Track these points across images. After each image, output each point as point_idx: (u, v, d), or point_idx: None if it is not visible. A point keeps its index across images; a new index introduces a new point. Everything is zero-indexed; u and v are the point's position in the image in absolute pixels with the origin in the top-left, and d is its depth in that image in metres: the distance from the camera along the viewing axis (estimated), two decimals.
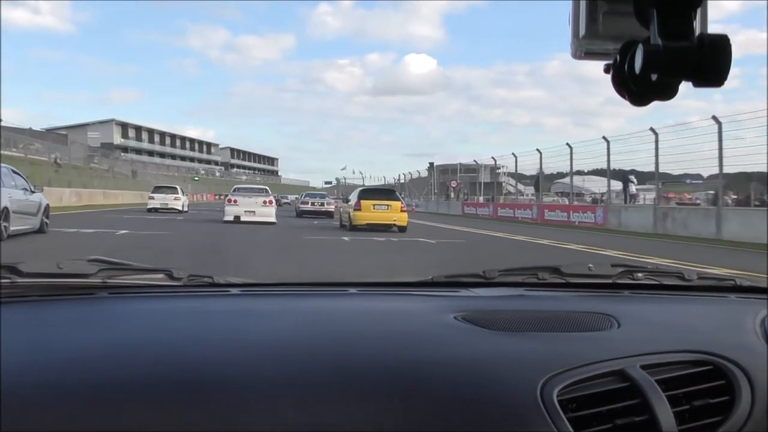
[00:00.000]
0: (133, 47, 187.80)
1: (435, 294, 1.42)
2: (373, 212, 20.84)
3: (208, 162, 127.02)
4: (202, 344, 0.97)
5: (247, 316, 1.17)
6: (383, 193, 22.65)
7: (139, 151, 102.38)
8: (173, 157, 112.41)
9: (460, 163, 53.75)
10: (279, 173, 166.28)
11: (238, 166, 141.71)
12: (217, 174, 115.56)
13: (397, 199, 21.96)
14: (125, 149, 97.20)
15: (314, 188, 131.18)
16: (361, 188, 24.20)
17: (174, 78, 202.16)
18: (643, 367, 1.00)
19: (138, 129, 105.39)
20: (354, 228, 20.36)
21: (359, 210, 20.83)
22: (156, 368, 0.88)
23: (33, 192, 14.19)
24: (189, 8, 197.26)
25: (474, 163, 47.97)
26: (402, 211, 21.07)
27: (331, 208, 32.08)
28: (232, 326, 1.09)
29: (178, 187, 34.48)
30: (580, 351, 1.03)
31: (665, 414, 0.94)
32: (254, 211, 22.65)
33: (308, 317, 1.19)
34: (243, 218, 22.10)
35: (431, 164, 67.87)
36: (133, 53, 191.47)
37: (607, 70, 0.72)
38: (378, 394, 0.88)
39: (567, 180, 35.69)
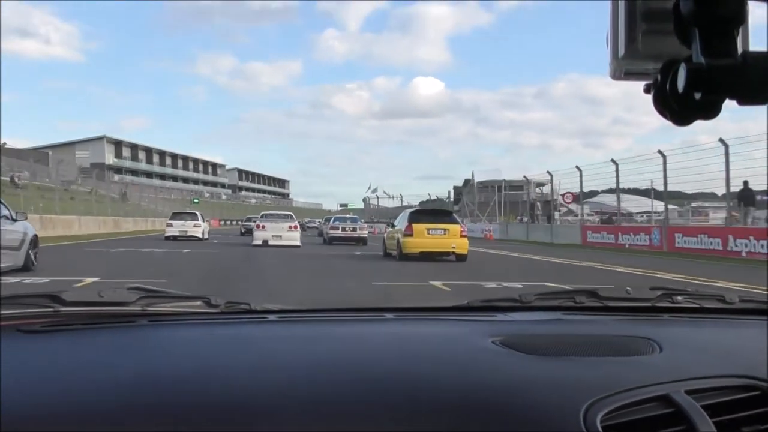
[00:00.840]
0: (142, 76, 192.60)
1: (471, 318, 1.46)
2: (428, 238, 18.38)
3: (214, 184, 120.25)
4: (240, 371, 1.01)
5: (285, 342, 1.21)
6: (439, 215, 20.16)
7: (135, 172, 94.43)
8: (174, 178, 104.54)
9: (504, 180, 48.40)
10: (290, 196, 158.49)
11: (247, 189, 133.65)
12: (224, 197, 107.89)
13: (456, 222, 19.53)
14: (119, 170, 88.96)
15: (328, 211, 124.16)
16: (411, 209, 21.39)
17: (183, 105, 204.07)
18: (688, 392, 0.99)
19: (134, 147, 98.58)
20: (405, 257, 18.00)
21: (411, 236, 18.33)
22: (196, 395, 0.91)
23: (14, 220, 12.33)
24: (197, 34, 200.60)
25: (523, 179, 43.14)
26: (462, 236, 18.61)
27: (365, 233, 30.10)
28: (270, 352, 1.13)
29: (198, 212, 33.75)
30: (623, 376, 1.03)
31: None
32: (281, 236, 25.26)
33: (346, 343, 1.23)
34: (270, 242, 24.78)
35: (467, 181, 58.82)
36: (143, 81, 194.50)
37: (647, 90, 0.72)
38: (418, 420, 0.89)
39: (598, 199, 36.18)
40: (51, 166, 49.10)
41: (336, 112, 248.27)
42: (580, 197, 33.39)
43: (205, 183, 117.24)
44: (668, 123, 0.66)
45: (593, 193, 37.32)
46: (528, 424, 0.88)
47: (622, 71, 0.74)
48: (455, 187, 75.09)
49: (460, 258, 17.99)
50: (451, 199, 69.74)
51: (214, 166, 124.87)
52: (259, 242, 25.14)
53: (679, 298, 1.56)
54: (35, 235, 13.01)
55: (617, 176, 29.38)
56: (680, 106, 0.67)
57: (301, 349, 1.16)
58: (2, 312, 1.20)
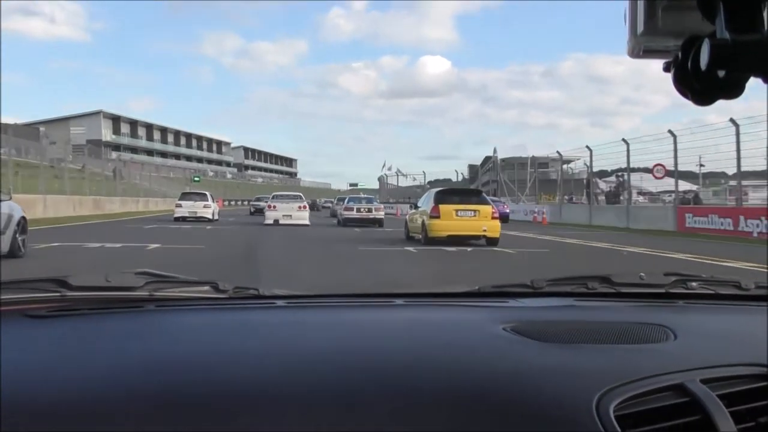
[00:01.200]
0: (148, 56, 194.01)
1: (482, 304, 1.46)
2: (456, 220, 16.90)
3: (219, 163, 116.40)
4: (247, 357, 1.02)
5: (293, 328, 1.22)
6: (467, 195, 18.70)
7: (134, 150, 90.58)
8: (177, 157, 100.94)
9: (532, 156, 45.09)
10: (298, 175, 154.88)
11: (253, 168, 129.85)
12: (229, 176, 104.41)
13: (486, 203, 17.89)
14: (117, 147, 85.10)
15: (338, 191, 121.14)
16: (437, 189, 19.39)
17: (189, 85, 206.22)
18: (704, 381, 0.98)
19: (133, 124, 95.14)
20: (431, 242, 16.55)
21: (437, 218, 16.82)
22: (203, 381, 0.92)
23: None
24: (203, 14, 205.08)
25: (555, 155, 39.70)
26: (493, 218, 17.12)
27: (381, 214, 28.61)
28: (278, 339, 1.14)
29: (207, 193, 32.96)
30: (636, 364, 1.04)
31: (728, 431, 0.92)
32: (291, 215, 27.56)
33: (355, 329, 1.23)
34: (281, 221, 27.02)
35: (487, 158, 54.61)
36: (149, 62, 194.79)
37: (667, 68, 0.70)
38: (427, 406, 0.90)
39: (613, 178, 35.02)
40: (43, 143, 45.20)
41: (342, 91, 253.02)
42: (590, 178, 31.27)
43: (210, 161, 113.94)
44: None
45: (603, 173, 36.86)
46: (540, 413, 0.89)
47: (641, 48, 0.72)
48: (471, 166, 71.10)
49: (491, 242, 16.70)
50: (467, 178, 65.56)
51: (219, 144, 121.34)
52: (271, 221, 27.33)
53: (694, 284, 1.57)
54: (23, 218, 11.57)
55: (628, 156, 29.46)
56: (702, 84, 0.65)
57: (309, 335, 1.17)
58: (8, 297, 1.20)
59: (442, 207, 16.83)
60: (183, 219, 29.81)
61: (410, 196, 53.70)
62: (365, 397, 0.90)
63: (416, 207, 19.04)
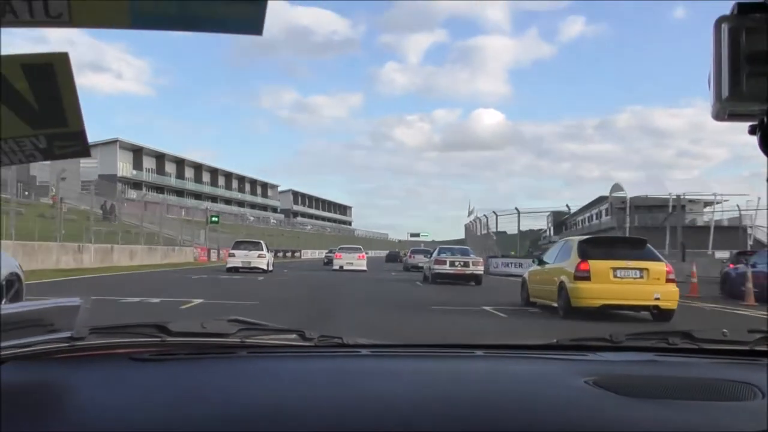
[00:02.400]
0: (207, 109, 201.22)
1: (562, 357, 1.52)
2: (615, 283, 12.12)
3: (264, 207, 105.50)
4: (335, 403, 1.10)
5: (378, 376, 1.30)
6: (627, 245, 13.56)
7: (161, 189, 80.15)
8: (213, 199, 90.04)
9: (674, 195, 35.74)
10: (352, 224, 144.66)
11: (303, 214, 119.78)
12: (272, 221, 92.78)
13: (657, 258, 12.90)
14: (137, 184, 74.61)
15: (398, 242, 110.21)
16: (582, 238, 14.00)
17: (245, 137, 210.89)
18: None
19: (160, 158, 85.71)
20: (573, 313, 12.07)
21: (586, 279, 12.07)
22: (296, 426, 0.99)
23: None
24: (261, 69, 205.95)
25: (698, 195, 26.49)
26: (669, 280, 12.25)
27: (480, 270, 24.77)
28: (364, 386, 1.22)
29: (262, 242, 32.97)
30: (723, 421, 1.06)
31: None
32: (352, 263, 35.32)
33: (436, 378, 1.31)
34: (345, 267, 34.99)
35: (601, 198, 43.36)
36: (207, 115, 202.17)
37: (752, 131, 0.75)
38: None
39: None
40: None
41: (396, 143, 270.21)
42: None
43: (254, 206, 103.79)
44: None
45: None
46: None
47: (726, 112, 0.76)
48: (554, 213, 61.05)
49: (664, 316, 11.97)
50: (548, 231, 54.01)
51: (264, 186, 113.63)
52: (337, 267, 35.38)
53: None
54: (14, 274, 7.94)
55: None
56: None
57: (394, 383, 1.24)
58: (115, 341, 1.35)
59: (594, 264, 12.10)
60: (236, 270, 30.00)
61: (508, 246, 48.08)
62: None
63: (541, 262, 14.66)
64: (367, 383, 1.23)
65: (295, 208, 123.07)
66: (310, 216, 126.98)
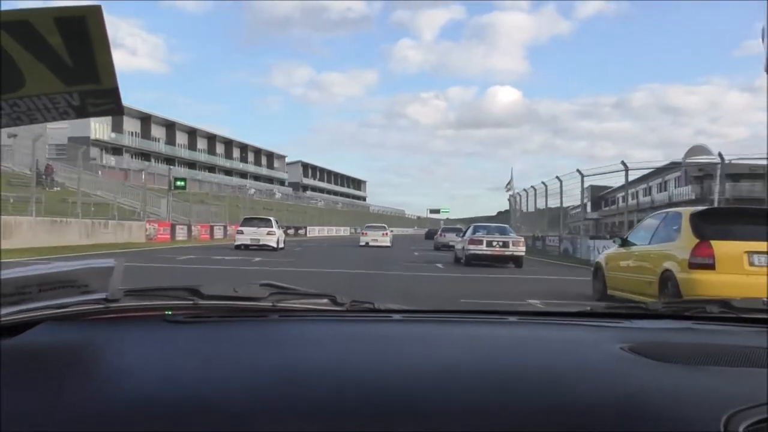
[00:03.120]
0: (221, 86, 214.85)
1: (596, 324, 1.53)
2: (752, 273, 8.71)
3: (270, 180, 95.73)
4: (367, 367, 1.11)
5: (410, 341, 1.32)
6: (758, 220, 9.61)
7: (146, 155, 70.33)
8: (211, 168, 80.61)
9: None
10: (366, 199, 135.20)
11: (314, 188, 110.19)
12: (278, 195, 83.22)
13: None
14: (118, 149, 64.76)
15: (417, 218, 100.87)
16: (695, 210, 10.26)
17: (258, 115, 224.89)
18: None
19: (145, 120, 75.59)
20: None
21: (709, 268, 8.84)
22: (326, 388, 1.00)
23: None
24: (274, 44, 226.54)
25: None
26: None
27: (521, 250, 22.52)
28: (396, 350, 1.23)
29: (272, 218, 32.72)
30: (761, 388, 1.03)
31: None
32: (377, 239, 40.82)
33: (469, 343, 1.32)
34: (370, 243, 40.42)
35: (673, 165, 35.49)
36: (221, 92, 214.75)
37: None
38: (545, 424, 0.92)
39: None
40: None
41: (411, 121, 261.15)
42: None
43: (257, 177, 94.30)
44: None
45: None
46: None
47: None
48: (595, 187, 52.19)
49: None
50: (582, 207, 44.66)
51: (270, 156, 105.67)
52: (363, 243, 40.60)
53: None
54: None
55: None
56: None
57: (425, 348, 1.25)
58: (151, 303, 1.38)
59: (720, 247, 8.83)
60: (245, 247, 29.99)
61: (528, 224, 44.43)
62: (483, 411, 0.93)
63: (625, 242, 11.39)
64: (399, 348, 1.25)
65: (305, 181, 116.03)
66: (321, 190, 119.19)
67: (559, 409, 0.94)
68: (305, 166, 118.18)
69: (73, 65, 0.91)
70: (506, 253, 22.24)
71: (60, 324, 1.22)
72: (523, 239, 23.99)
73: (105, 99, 0.98)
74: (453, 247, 30.32)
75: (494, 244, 22.27)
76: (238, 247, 29.90)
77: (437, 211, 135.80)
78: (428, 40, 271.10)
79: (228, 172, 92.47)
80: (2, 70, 0.89)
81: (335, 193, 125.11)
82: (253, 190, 79.14)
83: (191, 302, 1.39)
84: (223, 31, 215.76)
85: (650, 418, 0.92)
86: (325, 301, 1.55)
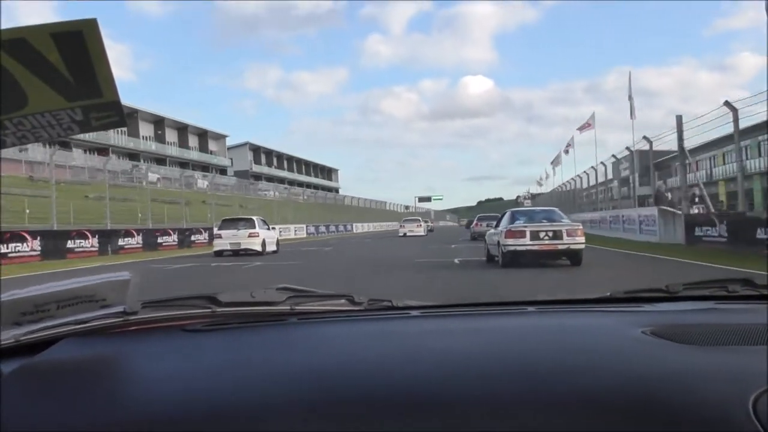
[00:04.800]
0: (191, 92, 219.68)
1: (616, 310, 1.55)
2: None
3: (206, 167, 70.31)
4: (389, 364, 1.12)
5: (430, 336, 1.33)
6: None
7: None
8: (132, 156, 54.69)
9: None
10: (340, 190, 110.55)
11: (269, 178, 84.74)
12: (202, 186, 57.32)
13: None
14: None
15: (393, 211, 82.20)
16: None
17: (233, 120, 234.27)
18: None
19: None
20: None
21: None
22: (349, 387, 1.01)
23: None
24: (243, 47, 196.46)
25: None
26: None
27: (579, 242, 16.07)
28: (416, 346, 1.24)
29: (255, 218, 28.37)
30: None
31: None
32: (413, 230, 48.87)
33: (488, 335, 1.33)
34: (408, 234, 47.87)
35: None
36: (192, 98, 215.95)
37: None
38: (571, 412, 0.92)
39: None
40: None
41: (385, 116, 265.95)
42: None
43: (184, 164, 69.72)
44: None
45: None
46: (692, 415, 0.90)
47: None
48: (617, 159, 40.68)
49: None
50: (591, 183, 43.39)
51: (204, 135, 76.83)
52: (402, 234, 48.26)
53: None
54: None
55: None
56: None
57: (445, 342, 1.26)
58: (167, 313, 1.39)
59: None
60: (222, 253, 26.88)
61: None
62: (507, 401, 0.95)
63: None
64: (419, 343, 1.25)
65: (257, 169, 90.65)
66: (282, 180, 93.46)
67: (583, 395, 0.94)
68: (255, 150, 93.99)
69: (73, 80, 0.92)
70: (559, 247, 15.74)
71: (81, 339, 1.22)
72: (581, 226, 16.62)
73: (107, 112, 0.98)
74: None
75: (542, 235, 15.78)
76: (218, 253, 26.74)
77: (427, 199, 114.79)
78: (397, 33, 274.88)
79: (133, 155, 68.69)
80: (4, 90, 0.90)
81: (301, 184, 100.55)
82: (155, 177, 55.13)
83: (209, 310, 1.40)
84: (190, 36, 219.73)
85: (677, 401, 0.92)
86: (342, 301, 1.57)
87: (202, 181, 62.37)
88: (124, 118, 1.00)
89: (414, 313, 1.52)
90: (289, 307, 1.47)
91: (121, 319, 1.28)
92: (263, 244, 27.15)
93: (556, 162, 62.14)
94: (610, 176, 40.70)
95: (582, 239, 16.03)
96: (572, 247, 15.83)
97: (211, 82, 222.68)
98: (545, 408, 0.92)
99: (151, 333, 1.32)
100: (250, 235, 26.71)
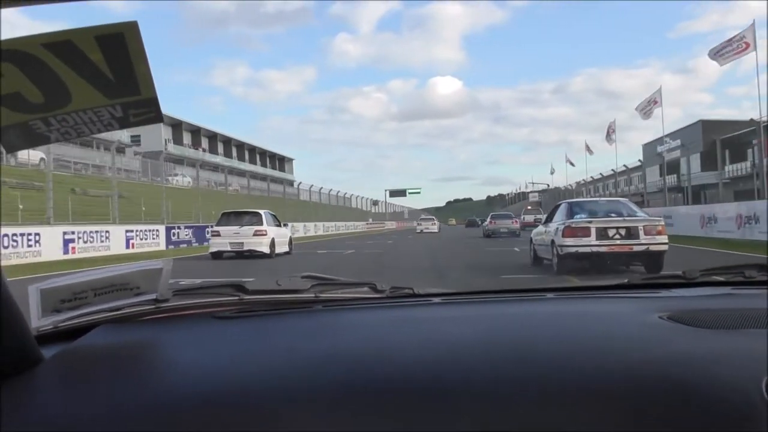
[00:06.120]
0: (160, 89, 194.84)
1: (633, 296, 1.56)
2: None
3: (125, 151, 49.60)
4: (411, 350, 1.15)
5: (451, 322, 1.35)
6: None
7: None
8: None
9: None
10: (295, 184, 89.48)
11: (193, 164, 63.48)
12: (76, 166, 36.24)
13: None
14: None
15: (359, 209, 71.32)
16: None
17: (200, 118, 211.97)
18: None
19: None
20: None
21: None
22: (374, 372, 1.05)
23: None
24: (211, 43, 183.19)
25: None
26: None
27: (662, 242, 13.13)
28: (438, 332, 1.27)
29: (262, 212, 23.37)
30: None
31: None
32: (429, 227, 56.24)
33: (508, 322, 1.36)
34: (424, 231, 54.73)
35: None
36: (160, 95, 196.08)
37: None
38: (590, 397, 0.95)
39: None
40: None
41: (354, 116, 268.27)
42: None
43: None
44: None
45: None
46: (707, 396, 0.93)
47: None
48: (648, 145, 51.10)
49: None
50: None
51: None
52: (419, 231, 54.79)
53: None
54: None
55: None
56: None
57: (467, 328, 1.28)
58: (197, 301, 1.46)
59: None
60: (220, 255, 22.34)
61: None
62: (526, 387, 0.97)
63: None
64: (441, 329, 1.27)
65: (178, 150, 69.75)
66: (215, 167, 72.96)
67: (601, 379, 0.97)
68: (175, 127, 73.78)
69: (114, 79, 0.98)
70: (635, 248, 12.61)
71: (115, 326, 1.31)
72: (662, 221, 13.52)
73: (146, 108, 1.03)
74: (503, 232, 34.22)
75: (612, 233, 12.72)
76: (215, 255, 22.28)
77: (401, 193, 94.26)
78: (367, 32, 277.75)
79: None
80: (50, 88, 0.96)
81: (243, 173, 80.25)
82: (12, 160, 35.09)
83: (237, 298, 1.47)
84: (157, 31, 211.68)
85: (692, 383, 0.94)
86: (365, 289, 1.63)
87: (77, 164, 41.71)
88: (161, 113, 1.04)
89: (435, 300, 1.56)
90: (313, 295, 1.53)
91: (153, 306, 1.35)
92: (272, 244, 22.47)
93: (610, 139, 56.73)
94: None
95: (664, 238, 13.02)
96: (652, 248, 12.67)
97: (179, 79, 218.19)
98: (564, 392, 0.94)
99: (182, 320, 1.37)
100: (255, 233, 22.10)
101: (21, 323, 1.08)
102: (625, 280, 1.71)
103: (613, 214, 13.40)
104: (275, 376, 1.03)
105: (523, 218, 44.85)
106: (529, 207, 62.51)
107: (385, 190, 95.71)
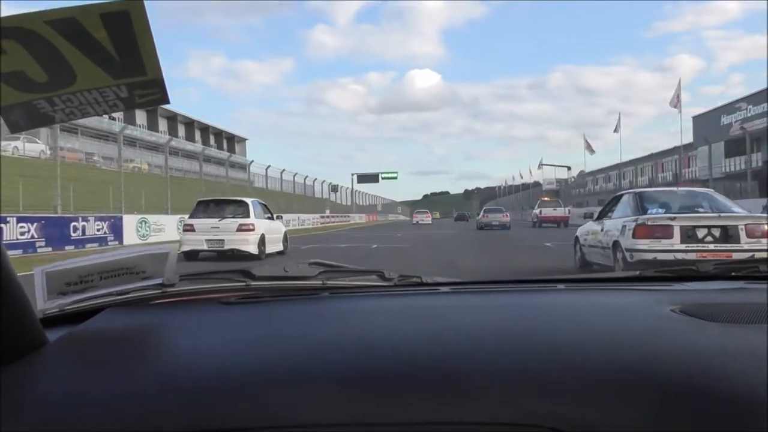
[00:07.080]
0: None
1: (646, 288, 1.56)
2: None
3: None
4: (418, 339, 1.13)
5: (459, 312, 1.34)
6: None
7: None
8: None
9: None
10: (248, 167, 73.96)
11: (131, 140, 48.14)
12: None
13: None
14: None
15: (321, 198, 65.94)
16: None
17: (177, 107, 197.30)
18: None
19: None
20: None
21: None
22: (379, 361, 1.04)
23: None
24: (187, 32, 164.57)
25: None
26: None
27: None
28: (446, 321, 1.25)
29: (249, 201, 18.71)
30: None
31: None
32: (423, 220, 67.52)
33: (518, 311, 1.35)
34: (419, 222, 65.45)
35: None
36: None
37: None
38: (600, 388, 0.94)
39: None
40: None
41: (331, 108, 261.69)
42: None
43: None
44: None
45: None
46: (716, 390, 0.92)
47: None
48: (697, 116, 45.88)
49: None
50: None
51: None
52: (415, 222, 65.11)
53: None
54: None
55: None
56: None
57: (474, 318, 1.27)
58: (204, 286, 1.46)
59: None
60: (195, 254, 17.49)
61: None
62: (534, 378, 0.96)
63: None
64: (448, 318, 1.27)
65: (92, 123, 54.42)
66: (137, 142, 57.74)
67: (611, 371, 0.96)
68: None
69: (119, 59, 0.95)
70: (734, 255, 9.26)
71: (121, 309, 1.31)
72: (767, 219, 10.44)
73: (151, 89, 1.01)
74: (494, 226, 35.13)
75: (702, 234, 9.68)
76: (188, 256, 17.19)
77: (373, 178, 79.26)
78: (344, 24, 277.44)
79: None
80: (54, 67, 0.94)
81: (178, 153, 65.29)
82: None
83: (243, 284, 1.47)
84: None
85: (703, 377, 0.94)
86: (373, 277, 1.61)
87: None
88: (167, 95, 1.02)
89: (443, 289, 1.56)
90: (321, 282, 1.52)
91: (160, 290, 1.36)
92: (261, 242, 17.56)
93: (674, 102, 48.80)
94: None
95: None
96: (758, 256, 8.95)
97: None
98: (572, 384, 0.94)
99: (188, 305, 1.38)
100: (240, 228, 17.24)
101: (25, 305, 1.06)
102: (637, 272, 1.72)
103: (699, 209, 10.40)
104: (280, 362, 1.02)
105: (540, 212, 42.19)
106: (546, 198, 50.35)
107: (352, 174, 79.69)
